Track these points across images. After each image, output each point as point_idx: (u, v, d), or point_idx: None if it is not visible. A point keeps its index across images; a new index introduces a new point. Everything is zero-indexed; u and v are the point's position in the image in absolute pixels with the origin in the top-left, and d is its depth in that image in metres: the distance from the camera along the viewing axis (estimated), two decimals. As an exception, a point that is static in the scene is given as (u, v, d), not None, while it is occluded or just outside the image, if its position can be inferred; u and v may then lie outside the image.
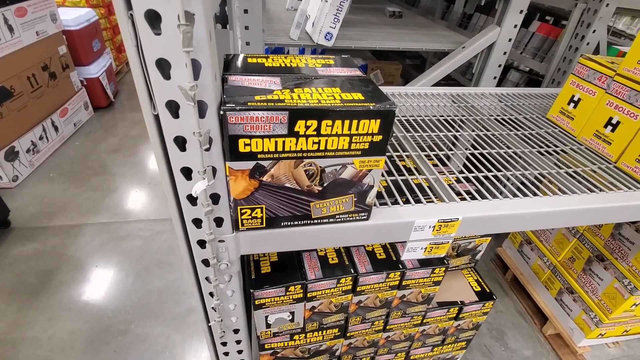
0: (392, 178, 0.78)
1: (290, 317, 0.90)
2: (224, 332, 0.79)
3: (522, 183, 0.79)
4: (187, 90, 0.40)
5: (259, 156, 0.50)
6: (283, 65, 0.60)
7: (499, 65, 1.53)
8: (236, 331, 0.81)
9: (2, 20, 2.22)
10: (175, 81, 0.41)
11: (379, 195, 0.69)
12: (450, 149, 0.90)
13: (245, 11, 1.27)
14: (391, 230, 0.67)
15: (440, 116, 1.07)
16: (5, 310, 1.65)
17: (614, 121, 0.89)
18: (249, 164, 0.50)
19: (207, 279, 0.66)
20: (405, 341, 1.16)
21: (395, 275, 0.89)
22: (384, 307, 0.98)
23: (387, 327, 1.06)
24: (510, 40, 1.46)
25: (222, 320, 0.75)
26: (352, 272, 0.86)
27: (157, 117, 0.45)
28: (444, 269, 0.92)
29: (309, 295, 0.86)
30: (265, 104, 0.46)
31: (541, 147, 0.94)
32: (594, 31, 1.58)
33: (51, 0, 2.66)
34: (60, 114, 2.83)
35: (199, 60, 0.41)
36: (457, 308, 1.10)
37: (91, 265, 1.90)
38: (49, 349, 1.52)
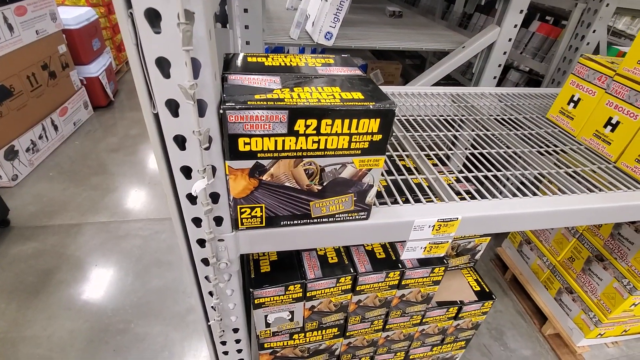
0: (392, 177, 0.78)
1: (290, 316, 0.90)
2: (223, 331, 0.79)
3: (522, 183, 0.79)
4: (186, 89, 0.40)
5: (259, 155, 0.50)
6: (283, 64, 0.60)
7: (499, 65, 1.53)
8: (235, 330, 0.81)
9: (2, 19, 2.22)
10: (175, 80, 0.41)
11: (379, 195, 0.69)
12: (450, 149, 0.90)
13: (245, 10, 1.27)
14: (391, 230, 0.67)
15: (440, 116, 1.07)
16: (4, 309, 1.65)
17: (613, 121, 0.89)
18: (249, 163, 0.50)
19: (206, 278, 0.66)
20: (404, 341, 1.16)
21: (394, 274, 0.89)
22: (384, 307, 0.98)
23: (387, 327, 1.06)
24: (510, 40, 1.46)
25: (221, 319, 0.75)
26: (352, 271, 0.86)
27: (156, 116, 0.45)
28: (443, 268, 0.92)
29: (308, 294, 0.86)
30: (265, 103, 0.46)
31: (541, 147, 0.94)
32: (594, 31, 1.59)
33: (51, -1, 2.67)
34: (59, 113, 2.83)
35: (199, 59, 0.41)
36: (457, 308, 1.10)
37: (90, 264, 1.90)
38: (48, 348, 1.52)
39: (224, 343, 0.84)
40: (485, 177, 0.80)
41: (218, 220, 0.57)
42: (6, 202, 2.06)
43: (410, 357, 1.26)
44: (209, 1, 0.40)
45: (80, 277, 1.82)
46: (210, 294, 0.69)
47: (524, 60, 2.04)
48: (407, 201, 0.71)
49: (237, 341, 0.85)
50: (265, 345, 0.98)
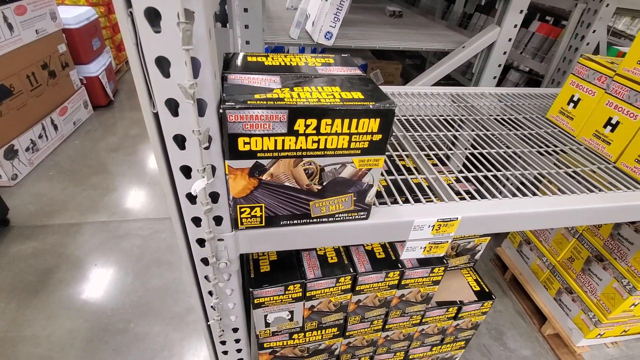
0: (392, 177, 0.78)
1: (290, 316, 0.90)
2: (223, 331, 0.79)
3: (522, 183, 0.79)
4: (186, 88, 0.40)
5: (259, 155, 0.50)
6: (283, 64, 0.60)
7: (499, 65, 1.53)
8: (235, 330, 0.81)
9: (2, 18, 2.22)
10: (175, 79, 0.41)
11: (379, 195, 0.69)
12: (450, 149, 0.90)
13: (245, 10, 1.27)
14: (390, 230, 0.67)
15: (440, 116, 1.07)
16: (4, 309, 1.65)
17: (613, 121, 0.89)
18: (249, 163, 0.50)
19: (206, 277, 0.66)
20: (404, 340, 1.16)
21: (394, 274, 0.89)
22: (383, 307, 0.98)
23: (386, 327, 1.06)
24: (510, 40, 1.46)
25: (221, 319, 0.75)
26: (352, 271, 0.86)
27: (156, 116, 0.45)
28: (443, 268, 0.92)
29: (308, 294, 0.86)
30: (264, 102, 0.46)
31: (541, 147, 0.94)
32: (594, 31, 1.59)
33: (51, -1, 2.66)
34: (59, 112, 2.83)
35: (199, 58, 0.41)
36: (456, 308, 1.10)
37: (90, 264, 1.90)
38: (47, 348, 1.52)
39: (223, 343, 0.84)
40: (485, 177, 0.80)
41: (218, 220, 0.57)
42: (6, 201, 2.06)
43: (410, 357, 1.26)
44: (209, 0, 0.40)
45: (79, 277, 1.82)
46: (210, 293, 0.69)
47: (524, 60, 2.04)
48: (406, 201, 0.71)
49: (237, 341, 0.85)
50: (265, 345, 0.98)
